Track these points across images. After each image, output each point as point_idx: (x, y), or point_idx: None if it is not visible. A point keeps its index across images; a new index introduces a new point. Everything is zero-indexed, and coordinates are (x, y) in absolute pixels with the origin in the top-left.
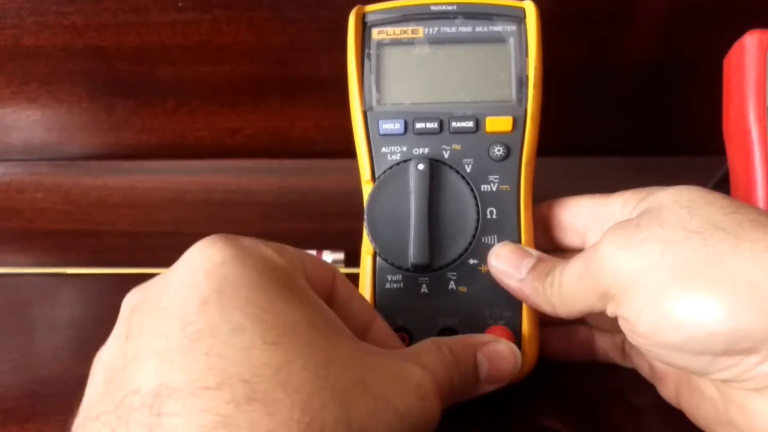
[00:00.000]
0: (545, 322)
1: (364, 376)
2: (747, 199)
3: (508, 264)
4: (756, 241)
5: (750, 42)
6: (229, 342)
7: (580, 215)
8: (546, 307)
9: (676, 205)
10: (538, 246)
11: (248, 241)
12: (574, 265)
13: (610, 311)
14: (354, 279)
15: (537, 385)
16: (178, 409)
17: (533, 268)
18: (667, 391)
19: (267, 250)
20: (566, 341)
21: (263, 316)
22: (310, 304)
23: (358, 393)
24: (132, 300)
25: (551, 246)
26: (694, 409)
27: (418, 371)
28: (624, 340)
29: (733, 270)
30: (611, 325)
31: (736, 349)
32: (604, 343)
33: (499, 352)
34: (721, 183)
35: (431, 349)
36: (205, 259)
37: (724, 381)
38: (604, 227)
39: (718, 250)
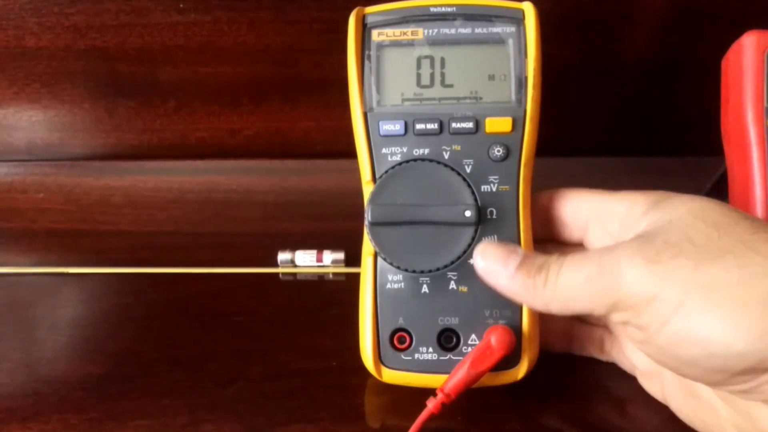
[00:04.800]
0: None
1: None
2: (744, 199)
3: (495, 261)
4: None
5: (748, 43)
6: None
7: (581, 210)
8: (538, 305)
9: (702, 222)
10: (535, 236)
11: None
12: (580, 266)
13: (618, 318)
14: (354, 279)
15: (525, 379)
16: None
17: (521, 264)
18: (653, 388)
19: None
20: (544, 333)
21: None
22: None
23: None
24: None
25: (548, 237)
26: (689, 412)
27: None
28: (603, 335)
29: (764, 293)
30: (595, 319)
31: (757, 368)
32: (582, 337)
33: None
34: (718, 183)
35: None
36: None
37: (733, 393)
38: (607, 227)
39: (751, 272)
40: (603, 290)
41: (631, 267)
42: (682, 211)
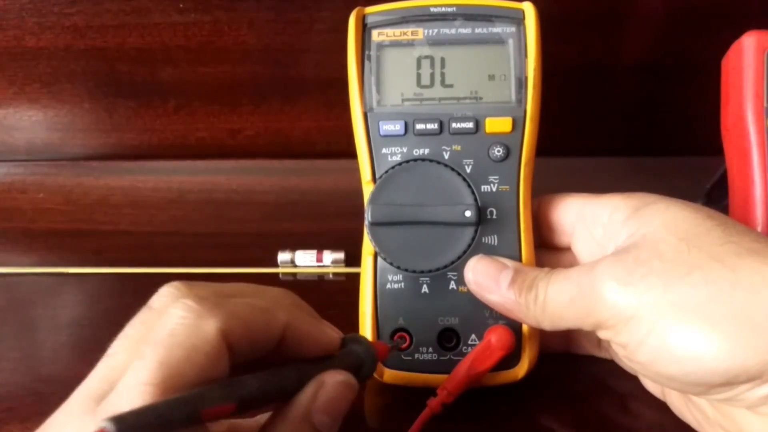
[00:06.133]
0: None
1: None
2: (744, 199)
3: (486, 277)
4: (754, 274)
5: (748, 43)
6: None
7: (568, 215)
8: (530, 322)
9: (673, 236)
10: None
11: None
12: (564, 286)
13: (603, 336)
14: (354, 279)
15: (525, 379)
16: None
17: (512, 281)
18: (653, 386)
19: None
20: (544, 333)
21: None
22: None
23: None
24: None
25: (539, 243)
26: (684, 409)
27: None
28: None
29: (732, 308)
30: None
31: (732, 382)
32: (581, 336)
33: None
34: (718, 183)
35: None
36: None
37: (717, 401)
38: (592, 232)
39: (718, 287)
40: (585, 312)
41: (606, 290)
42: (656, 224)
